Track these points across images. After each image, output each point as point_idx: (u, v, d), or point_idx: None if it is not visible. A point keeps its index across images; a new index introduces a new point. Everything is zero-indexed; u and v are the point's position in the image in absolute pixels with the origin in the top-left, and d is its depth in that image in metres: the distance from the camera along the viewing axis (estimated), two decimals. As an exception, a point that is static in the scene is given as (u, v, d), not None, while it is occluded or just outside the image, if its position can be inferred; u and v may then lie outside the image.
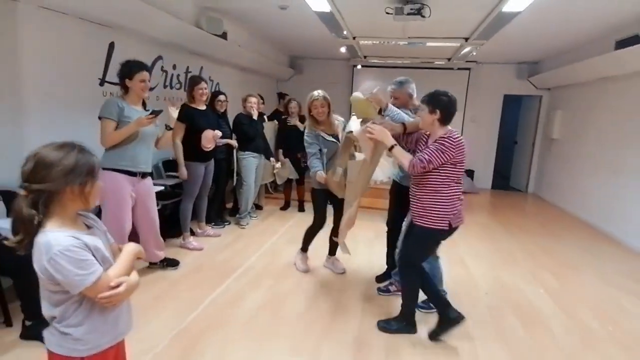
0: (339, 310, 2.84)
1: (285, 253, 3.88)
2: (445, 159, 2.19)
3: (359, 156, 2.65)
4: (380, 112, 2.57)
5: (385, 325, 2.53)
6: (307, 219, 5.07)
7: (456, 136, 2.21)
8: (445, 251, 3.14)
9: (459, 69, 7.63)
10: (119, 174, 2.69)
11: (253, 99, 4.68)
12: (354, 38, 5.85)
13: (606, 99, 5.36)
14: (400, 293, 2.61)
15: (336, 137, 3.14)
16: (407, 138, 2.47)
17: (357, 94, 2.80)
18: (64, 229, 1.17)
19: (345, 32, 5.34)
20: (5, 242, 1.19)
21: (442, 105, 2.24)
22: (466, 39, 5.50)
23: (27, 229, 1.13)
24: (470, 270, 3.73)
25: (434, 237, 2.37)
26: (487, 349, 2.45)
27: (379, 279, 3.26)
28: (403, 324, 2.49)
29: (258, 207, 5.47)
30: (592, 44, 5.43)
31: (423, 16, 3.80)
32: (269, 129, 5.31)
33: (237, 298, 2.92)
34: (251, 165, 4.65)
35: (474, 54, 5.95)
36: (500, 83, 7.71)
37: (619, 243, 4.69)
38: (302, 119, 5.26)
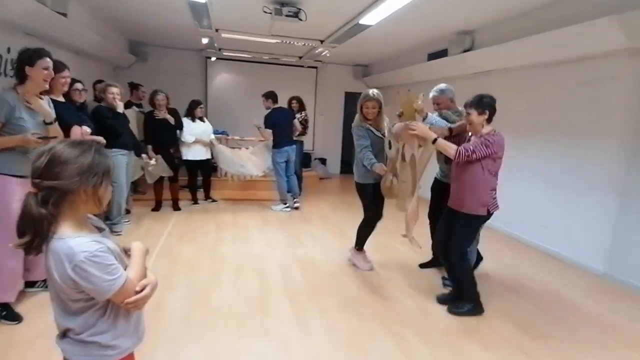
0: (265, 302, 3.04)
1: (184, 253, 3.77)
2: (488, 153, 2.46)
3: (407, 156, 2.84)
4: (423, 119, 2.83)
5: (456, 309, 2.76)
6: (189, 217, 5.16)
7: (500, 134, 2.52)
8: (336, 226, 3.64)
9: (308, 67, 8.40)
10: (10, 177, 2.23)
11: (115, 89, 4.23)
12: (216, 30, 5.83)
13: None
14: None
15: (383, 133, 3.22)
16: (454, 139, 2.72)
17: (409, 96, 2.93)
18: (81, 233, 1.12)
19: (207, 23, 5.28)
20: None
21: (489, 106, 2.53)
22: (322, 41, 6.19)
23: (37, 229, 1.06)
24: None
25: (476, 222, 2.66)
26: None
27: (425, 265, 3.59)
28: (472, 305, 2.76)
29: (126, 211, 4.96)
30: (410, 54, 6.90)
31: (300, 19, 4.19)
32: (133, 120, 4.82)
33: (160, 306, 2.78)
34: (121, 163, 4.23)
35: (328, 55, 6.74)
36: (342, 81, 8.87)
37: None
38: (171, 112, 5.01)
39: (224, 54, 7.86)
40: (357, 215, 5.53)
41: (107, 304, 1.14)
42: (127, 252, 1.26)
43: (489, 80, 5.13)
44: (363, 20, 4.60)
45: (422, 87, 6.84)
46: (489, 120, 2.56)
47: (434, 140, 2.58)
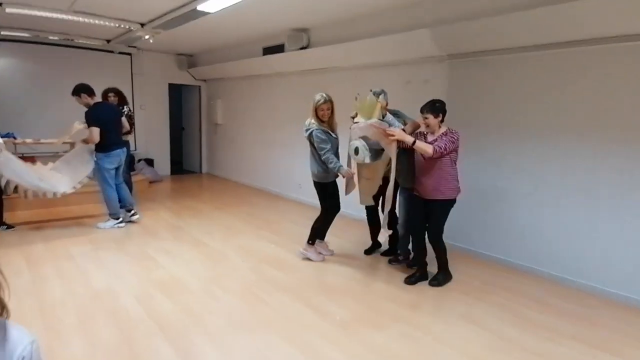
0: (134, 349, 2.50)
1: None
2: (454, 148, 3.02)
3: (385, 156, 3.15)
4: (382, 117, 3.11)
5: (438, 283, 3.29)
6: (14, 233, 4.09)
7: (457, 131, 3.07)
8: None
9: (120, 53, 7.22)
10: None
11: None
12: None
13: (259, 90, 6.91)
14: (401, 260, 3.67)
15: (336, 134, 3.58)
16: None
17: (374, 97, 3.14)
18: None
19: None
20: None
21: (442, 110, 3.07)
22: (142, 25, 5.40)
23: None
24: (213, 245, 4.10)
25: (451, 205, 3.15)
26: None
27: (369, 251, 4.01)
28: (446, 275, 3.34)
29: None
30: (243, 47, 6.77)
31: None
32: None
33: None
34: None
35: (151, 41, 5.91)
36: (163, 71, 8.01)
37: (279, 195, 6.45)
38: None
39: (3, 33, 5.94)
40: (207, 220, 5.32)
41: None
42: None
43: (324, 78, 5.52)
44: (202, 7, 4.21)
45: (257, 82, 6.97)
46: (442, 121, 3.09)
47: (413, 143, 2.96)
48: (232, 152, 7.87)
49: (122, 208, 4.82)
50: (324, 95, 3.48)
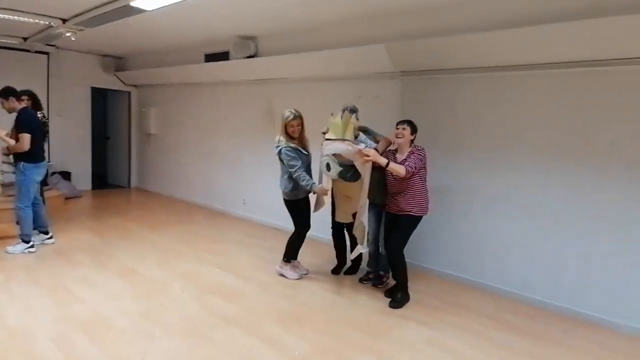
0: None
1: None
2: (422, 165, 3.11)
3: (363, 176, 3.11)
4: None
5: (397, 305, 3.20)
6: None
7: (423, 147, 3.16)
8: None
9: (36, 52, 6.35)
10: None
11: None
12: None
13: (200, 99, 6.48)
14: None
15: (307, 150, 3.53)
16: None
17: (348, 114, 3.20)
18: None
19: None
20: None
21: (416, 129, 3.18)
22: (64, 21, 4.77)
23: None
24: (146, 272, 3.62)
25: (417, 223, 3.19)
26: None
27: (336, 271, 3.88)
28: (406, 296, 3.27)
29: None
30: (182, 52, 6.31)
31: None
32: None
33: None
34: None
35: (73, 39, 5.23)
36: (86, 74, 7.22)
37: (222, 212, 6.03)
38: None
39: None
40: (138, 242, 4.72)
41: None
42: None
43: (272, 88, 5.30)
44: (136, 3, 3.78)
45: (198, 90, 6.53)
46: (412, 140, 3.18)
47: (387, 164, 2.99)
48: (168, 165, 7.25)
49: (34, 229, 4.12)
50: (293, 111, 3.41)
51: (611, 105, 2.96)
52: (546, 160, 3.27)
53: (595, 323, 3.02)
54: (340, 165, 3.10)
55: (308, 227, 3.67)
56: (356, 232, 3.24)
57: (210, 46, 5.81)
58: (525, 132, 3.36)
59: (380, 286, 3.56)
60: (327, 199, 3.57)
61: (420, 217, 3.20)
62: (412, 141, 3.18)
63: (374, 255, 3.60)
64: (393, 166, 3.02)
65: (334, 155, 3.10)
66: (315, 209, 3.63)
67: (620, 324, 2.94)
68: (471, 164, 3.66)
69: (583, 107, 3.08)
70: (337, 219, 3.58)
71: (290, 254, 3.70)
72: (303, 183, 3.32)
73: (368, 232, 3.33)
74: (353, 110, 3.39)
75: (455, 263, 3.79)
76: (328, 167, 3.16)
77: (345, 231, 3.77)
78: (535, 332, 2.92)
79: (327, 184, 3.38)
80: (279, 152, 3.41)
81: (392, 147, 3.31)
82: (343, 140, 3.08)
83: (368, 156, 2.98)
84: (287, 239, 3.74)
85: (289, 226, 5.11)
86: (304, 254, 3.89)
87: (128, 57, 7.53)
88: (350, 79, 4.45)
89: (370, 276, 3.67)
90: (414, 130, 3.17)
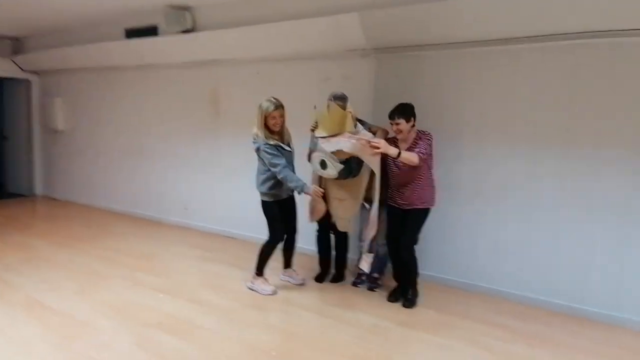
0: None
1: None
2: (431, 150, 2.84)
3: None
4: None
5: (411, 303, 2.98)
6: None
7: (429, 132, 2.87)
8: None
9: None
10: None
11: None
12: None
13: (121, 87, 5.45)
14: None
15: (289, 144, 3.08)
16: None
17: (335, 104, 2.83)
18: None
19: None
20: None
21: (413, 114, 2.83)
22: None
23: None
24: (61, 306, 2.73)
25: (428, 213, 2.93)
26: None
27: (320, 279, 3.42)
28: (417, 292, 3.04)
29: None
30: (96, 27, 5.25)
31: None
32: None
33: None
34: None
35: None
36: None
37: (156, 220, 5.14)
38: None
39: None
40: (48, 264, 3.67)
41: None
42: None
43: (217, 72, 4.54)
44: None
45: (118, 75, 5.49)
46: (414, 125, 2.84)
47: (398, 154, 2.69)
48: (82, 167, 6.05)
49: None
50: (274, 100, 2.93)
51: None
52: (542, 149, 2.99)
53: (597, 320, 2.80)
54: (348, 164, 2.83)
55: (282, 236, 3.16)
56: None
57: (132, 19, 4.83)
58: (522, 116, 3.05)
59: (376, 289, 3.25)
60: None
61: (429, 210, 2.96)
62: (412, 126, 2.86)
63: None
64: (405, 155, 2.72)
65: (333, 153, 2.78)
66: (312, 218, 3.22)
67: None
68: (457, 156, 3.28)
69: (591, 84, 2.81)
70: (340, 229, 3.19)
71: (260, 266, 3.17)
72: (292, 184, 2.87)
73: (375, 236, 3.02)
74: (343, 99, 2.89)
75: (438, 264, 3.39)
76: (323, 164, 2.85)
77: (331, 234, 3.35)
78: (545, 337, 2.61)
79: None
80: (257, 149, 2.95)
81: (390, 136, 3.00)
82: (342, 134, 2.75)
83: (378, 147, 2.67)
84: (243, 249, 3.44)
85: (244, 233, 4.51)
86: (276, 267, 3.28)
87: (27, 38, 6.18)
88: (315, 58, 3.86)
89: (363, 278, 3.34)
90: (409, 117, 2.82)
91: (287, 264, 3.36)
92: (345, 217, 3.06)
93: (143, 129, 5.30)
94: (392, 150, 2.69)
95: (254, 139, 2.97)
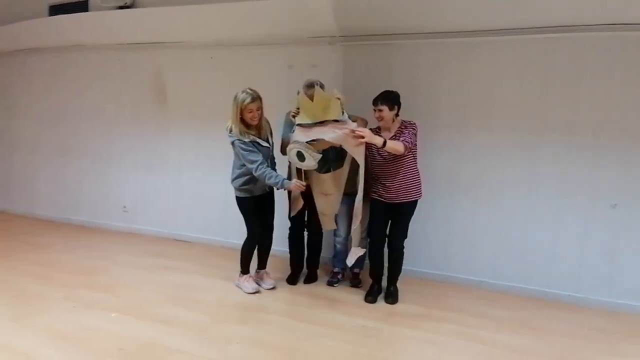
0: None
1: None
2: (416, 139, 2.75)
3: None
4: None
5: (395, 299, 2.92)
6: None
7: (414, 122, 2.78)
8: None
9: None
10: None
11: None
12: None
13: (43, 72, 4.70)
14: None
15: (267, 139, 2.86)
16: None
17: (321, 90, 2.69)
18: None
19: None
20: None
21: (398, 102, 2.74)
22: None
23: None
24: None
25: (416, 206, 2.85)
26: None
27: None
28: (397, 288, 2.99)
29: None
30: (13, 3, 4.45)
31: None
32: None
33: None
34: None
35: None
36: None
37: (91, 226, 4.53)
38: None
39: None
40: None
41: None
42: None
43: (161, 57, 4.08)
44: None
45: (38, 58, 4.70)
46: (397, 114, 2.76)
47: (384, 144, 2.58)
48: (-9, 167, 5.16)
49: None
50: (250, 91, 2.73)
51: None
52: (512, 139, 3.06)
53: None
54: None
55: (259, 234, 3.00)
56: (354, 233, 2.85)
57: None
58: (499, 108, 3.09)
59: (360, 285, 3.16)
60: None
61: (417, 202, 2.88)
62: (396, 115, 2.77)
63: (346, 250, 3.14)
64: (391, 144, 2.62)
65: (311, 142, 2.62)
66: (293, 213, 3.06)
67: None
68: (429, 147, 3.22)
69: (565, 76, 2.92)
70: (326, 228, 2.99)
71: (243, 264, 3.05)
72: (271, 181, 2.74)
73: (365, 230, 2.94)
74: (313, 84, 2.77)
75: (415, 257, 3.38)
76: (301, 156, 2.65)
77: (305, 232, 3.20)
78: (532, 324, 2.69)
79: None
80: (232, 144, 2.79)
81: (370, 127, 2.85)
82: (326, 123, 2.61)
83: (363, 137, 2.54)
84: (203, 254, 3.44)
85: (202, 236, 4.14)
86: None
87: None
88: (277, 44, 3.59)
89: (340, 277, 3.24)
90: (393, 104, 2.73)
91: (261, 264, 3.15)
92: (331, 213, 2.89)
93: (73, 122, 4.62)
94: (378, 140, 2.58)
95: (229, 132, 2.77)
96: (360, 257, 3.16)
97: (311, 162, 2.65)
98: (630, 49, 2.75)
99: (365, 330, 2.55)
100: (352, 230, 2.85)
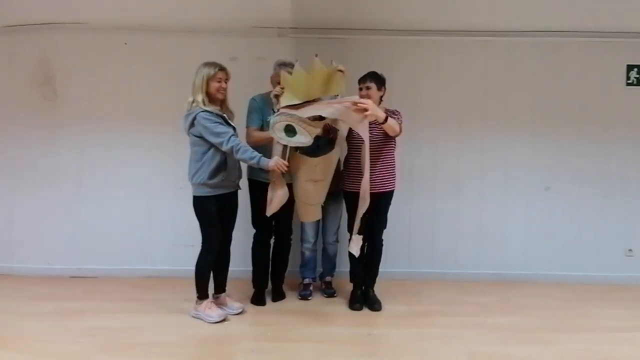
0: None
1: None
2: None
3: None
4: None
5: (380, 305, 2.69)
6: None
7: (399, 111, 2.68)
8: None
9: None
10: None
11: None
12: None
13: None
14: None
15: (232, 123, 2.49)
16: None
17: (320, 63, 2.30)
18: None
19: None
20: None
21: (384, 84, 2.63)
22: None
23: None
24: None
25: (392, 195, 2.70)
26: None
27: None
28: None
29: None
30: None
31: None
32: None
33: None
34: None
35: None
36: None
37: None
38: None
39: None
40: None
41: None
42: None
43: (50, 41, 3.22)
44: None
45: None
46: (382, 99, 2.60)
47: (386, 119, 2.40)
48: None
49: None
50: (215, 62, 2.44)
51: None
52: (464, 130, 3.29)
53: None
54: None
55: (218, 244, 2.48)
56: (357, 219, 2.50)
57: None
58: (450, 102, 3.28)
59: (335, 295, 2.92)
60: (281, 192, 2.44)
61: (393, 192, 2.73)
62: (381, 98, 2.61)
63: (315, 257, 2.98)
64: (391, 122, 2.45)
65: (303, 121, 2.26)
66: (270, 210, 2.48)
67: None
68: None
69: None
70: (304, 219, 2.71)
71: (201, 287, 2.49)
72: (245, 156, 2.32)
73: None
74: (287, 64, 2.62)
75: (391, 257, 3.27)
76: (290, 130, 2.26)
77: (272, 240, 2.83)
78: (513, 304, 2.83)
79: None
80: (192, 121, 2.35)
81: None
82: (318, 101, 2.33)
83: (367, 110, 2.26)
84: (117, 288, 2.92)
85: (109, 267, 3.22)
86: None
87: None
88: (215, 32, 3.18)
89: (311, 288, 2.94)
90: (380, 85, 2.60)
91: (220, 287, 2.62)
92: (318, 202, 2.57)
93: None
94: (381, 113, 2.38)
95: (189, 107, 2.38)
96: (330, 263, 3.00)
97: (304, 137, 2.27)
98: (548, 51, 3.28)
99: (374, 338, 2.31)
100: (356, 216, 2.49)
